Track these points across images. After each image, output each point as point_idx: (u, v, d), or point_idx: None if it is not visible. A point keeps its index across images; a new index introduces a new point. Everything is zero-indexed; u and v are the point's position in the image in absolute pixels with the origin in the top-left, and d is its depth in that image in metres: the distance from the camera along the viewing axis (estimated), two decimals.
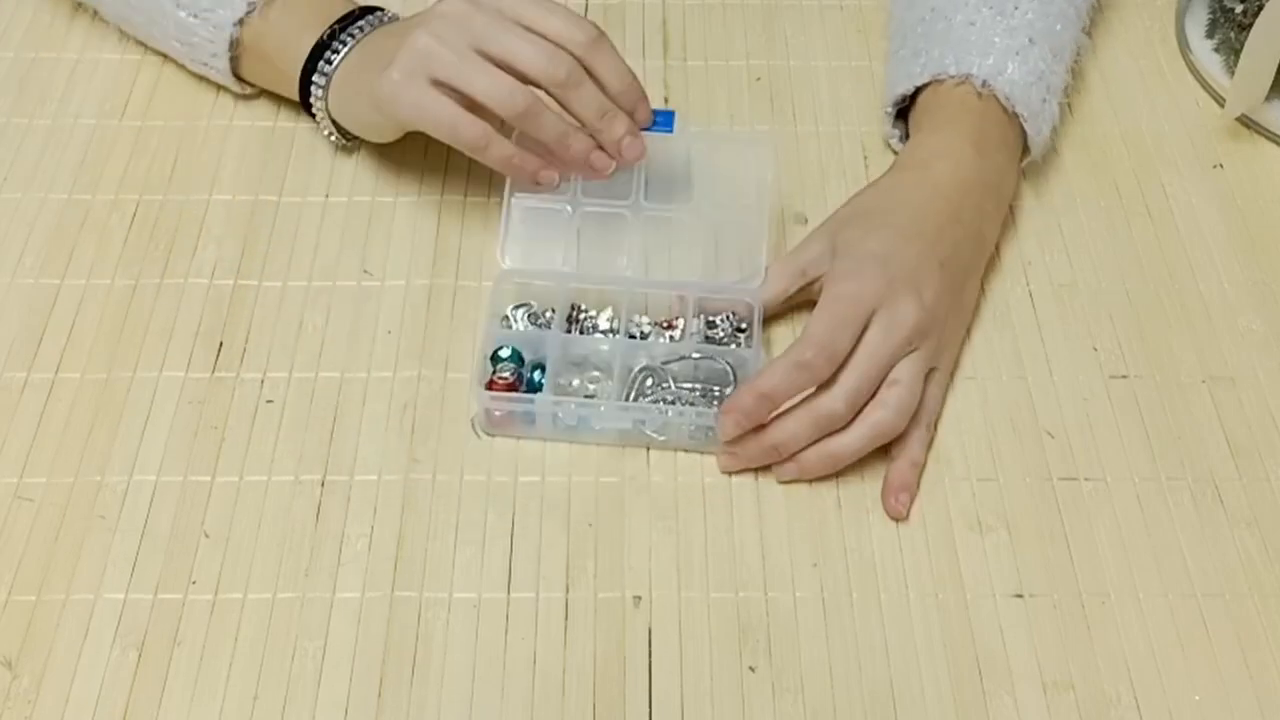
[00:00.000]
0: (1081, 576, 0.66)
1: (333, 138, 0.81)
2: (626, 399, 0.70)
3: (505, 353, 0.71)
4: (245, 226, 0.79)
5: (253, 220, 0.79)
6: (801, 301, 0.75)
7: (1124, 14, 0.94)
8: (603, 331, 0.73)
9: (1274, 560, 0.67)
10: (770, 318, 0.74)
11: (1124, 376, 0.74)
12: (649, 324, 0.74)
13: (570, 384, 0.71)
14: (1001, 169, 0.77)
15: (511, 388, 0.70)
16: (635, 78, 0.72)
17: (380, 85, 0.71)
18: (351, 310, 0.76)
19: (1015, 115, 0.77)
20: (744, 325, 0.73)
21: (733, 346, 0.72)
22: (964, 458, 0.70)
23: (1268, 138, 0.86)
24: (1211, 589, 0.66)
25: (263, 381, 0.72)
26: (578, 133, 0.71)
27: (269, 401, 0.71)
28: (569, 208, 0.74)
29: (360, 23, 0.78)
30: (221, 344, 0.74)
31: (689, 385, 0.70)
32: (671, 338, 0.73)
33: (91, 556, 0.65)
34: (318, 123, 0.80)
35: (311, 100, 0.79)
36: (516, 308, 0.74)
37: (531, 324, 0.73)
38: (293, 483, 0.68)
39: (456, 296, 0.76)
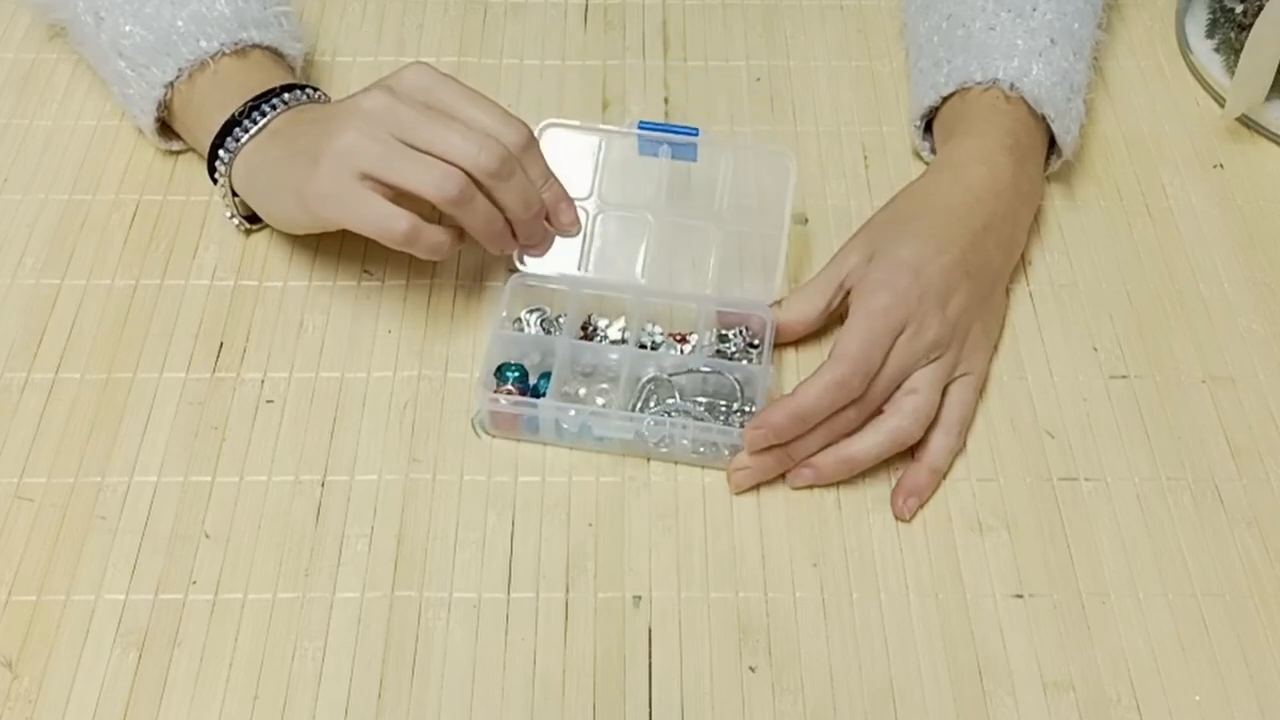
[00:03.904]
0: (1081, 576, 0.66)
1: (234, 219, 0.77)
2: (632, 410, 0.70)
3: (512, 373, 0.71)
4: None
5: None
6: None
7: (1124, 14, 0.94)
8: (613, 340, 0.73)
9: (1274, 560, 0.67)
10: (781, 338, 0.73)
11: (1124, 376, 0.74)
12: (661, 334, 0.73)
13: (577, 393, 0.71)
14: (1033, 177, 0.78)
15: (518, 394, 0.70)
16: (559, 182, 0.72)
17: (309, 185, 0.67)
18: (351, 310, 0.76)
19: (1042, 117, 0.77)
20: (756, 341, 0.72)
21: (744, 362, 0.72)
22: (964, 458, 0.70)
23: (1268, 138, 0.86)
24: (1211, 589, 0.66)
25: (263, 382, 0.72)
26: (506, 225, 0.70)
27: (269, 401, 0.71)
28: (587, 210, 0.74)
29: (274, 100, 0.73)
30: (222, 344, 0.74)
31: (696, 399, 0.70)
32: (683, 350, 0.73)
33: (92, 557, 0.65)
34: (222, 201, 0.77)
35: (216, 179, 0.75)
36: (530, 312, 0.73)
37: (544, 331, 0.73)
38: (293, 483, 0.68)
39: (456, 296, 0.76)
